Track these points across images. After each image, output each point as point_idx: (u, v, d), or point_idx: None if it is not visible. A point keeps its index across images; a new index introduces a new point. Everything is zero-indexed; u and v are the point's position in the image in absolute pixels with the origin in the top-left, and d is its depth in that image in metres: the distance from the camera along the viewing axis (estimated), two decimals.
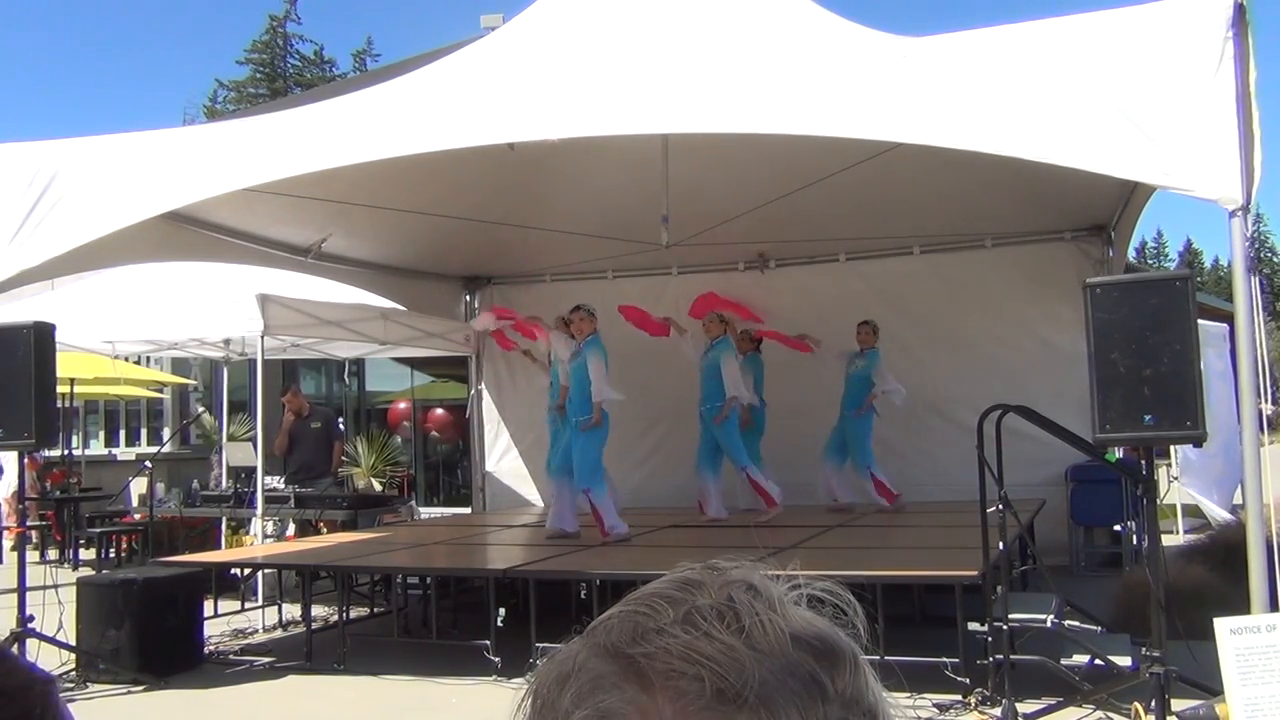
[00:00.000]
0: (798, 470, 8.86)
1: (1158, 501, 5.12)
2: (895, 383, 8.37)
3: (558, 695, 0.57)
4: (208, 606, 7.05)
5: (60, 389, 9.20)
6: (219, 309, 8.37)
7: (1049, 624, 5.24)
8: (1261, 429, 4.28)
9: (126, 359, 13.08)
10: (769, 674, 0.54)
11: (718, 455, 8.38)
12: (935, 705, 4.94)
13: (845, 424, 8.55)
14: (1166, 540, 6.69)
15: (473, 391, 11.14)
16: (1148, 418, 4.27)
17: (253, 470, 8.58)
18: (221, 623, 7.36)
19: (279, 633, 7.30)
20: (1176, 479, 9.73)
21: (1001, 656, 4.78)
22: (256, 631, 7.34)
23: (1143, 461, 4.84)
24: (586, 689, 0.56)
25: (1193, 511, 10.16)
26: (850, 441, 8.54)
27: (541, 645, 5.58)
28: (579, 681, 0.57)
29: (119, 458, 17.38)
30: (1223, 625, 3.62)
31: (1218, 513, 9.87)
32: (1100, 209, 8.18)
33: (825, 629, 0.59)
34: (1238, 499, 8.13)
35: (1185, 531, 9.78)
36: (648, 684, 0.55)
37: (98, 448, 18.48)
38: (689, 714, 0.54)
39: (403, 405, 16.17)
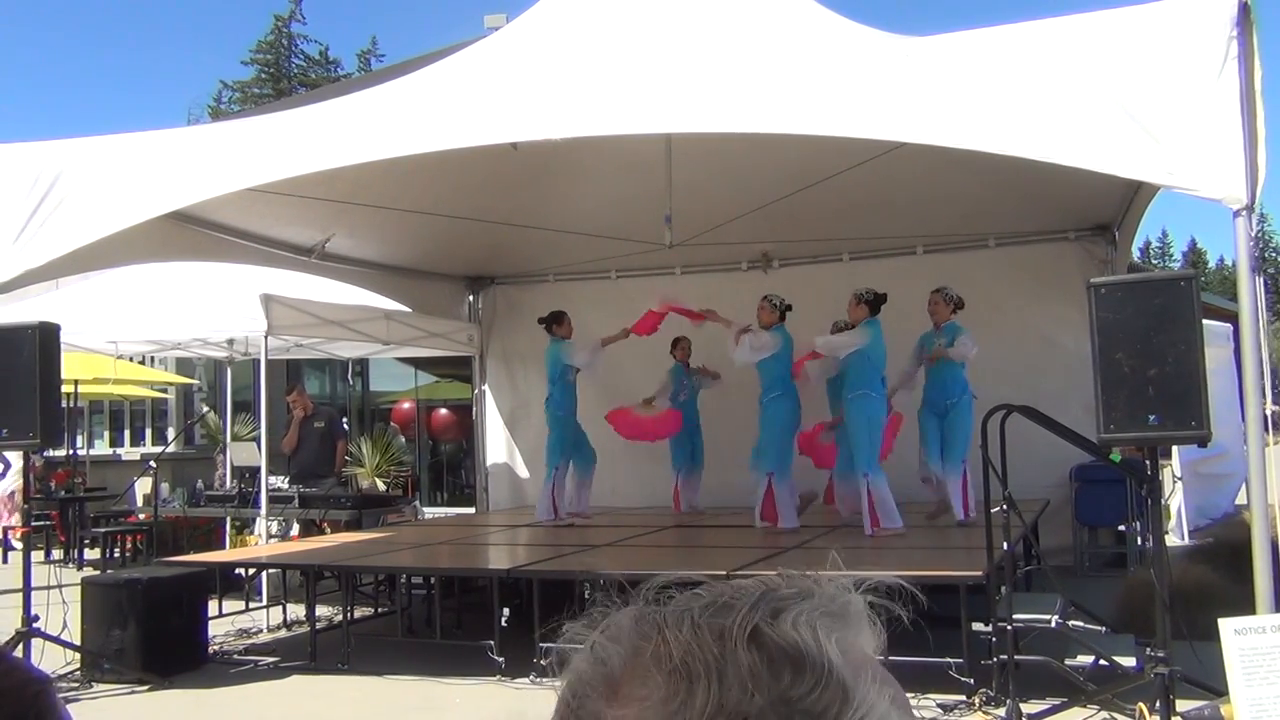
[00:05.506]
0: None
1: (1162, 502, 5.10)
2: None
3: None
4: (212, 606, 7.06)
5: (64, 389, 9.20)
6: (223, 309, 8.38)
7: (1053, 624, 5.23)
8: (1266, 429, 4.26)
9: (131, 359, 13.11)
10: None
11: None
12: (939, 706, 4.94)
13: (951, 415, 7.31)
14: (1170, 541, 6.67)
15: (476, 391, 11.15)
16: (1152, 418, 4.27)
17: (257, 470, 8.58)
18: (226, 622, 7.37)
19: (283, 633, 7.31)
20: (1180, 479, 9.70)
21: (1006, 657, 4.78)
22: (261, 631, 7.36)
23: (1147, 461, 4.83)
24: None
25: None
26: (959, 432, 7.26)
27: (545, 645, 5.58)
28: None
29: (123, 458, 17.42)
30: (1227, 626, 3.61)
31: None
32: (1104, 209, 8.16)
33: (805, 644, 0.57)
34: (1240, 499, 8.12)
35: (1189, 532, 9.76)
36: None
37: (102, 448, 18.52)
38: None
39: (406, 405, 16.19)
